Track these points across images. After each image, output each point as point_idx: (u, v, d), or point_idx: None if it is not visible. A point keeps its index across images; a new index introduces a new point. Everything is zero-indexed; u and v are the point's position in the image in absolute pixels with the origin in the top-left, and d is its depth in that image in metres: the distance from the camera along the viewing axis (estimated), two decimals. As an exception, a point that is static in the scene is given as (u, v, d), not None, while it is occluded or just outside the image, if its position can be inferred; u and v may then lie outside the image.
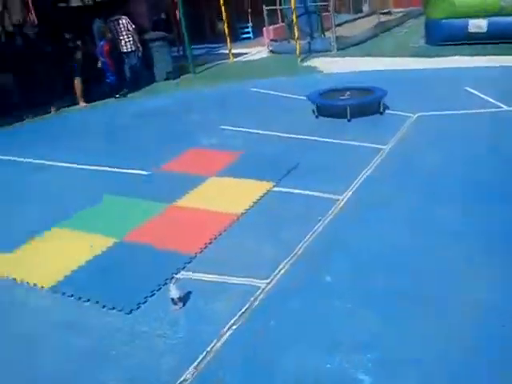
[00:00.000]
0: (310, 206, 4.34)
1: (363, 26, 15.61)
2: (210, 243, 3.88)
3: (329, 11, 12.48)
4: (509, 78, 8.19)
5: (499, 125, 5.99)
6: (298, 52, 11.29)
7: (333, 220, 4.07)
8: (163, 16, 13.76)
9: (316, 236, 3.84)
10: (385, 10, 19.31)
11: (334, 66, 10.31)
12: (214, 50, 14.35)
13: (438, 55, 10.44)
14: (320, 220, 4.06)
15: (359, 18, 18.77)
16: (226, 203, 4.55)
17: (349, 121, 6.52)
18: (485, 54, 9.98)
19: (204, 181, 5.06)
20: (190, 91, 9.44)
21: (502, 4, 10.85)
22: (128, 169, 5.59)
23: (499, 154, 5.14)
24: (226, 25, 12.06)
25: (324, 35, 12.90)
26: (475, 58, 9.81)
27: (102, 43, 9.37)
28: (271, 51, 12.96)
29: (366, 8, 20.54)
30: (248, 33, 16.78)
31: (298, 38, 11.32)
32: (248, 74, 10.60)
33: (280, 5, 13.52)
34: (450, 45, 11.45)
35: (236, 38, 15.74)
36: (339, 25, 16.23)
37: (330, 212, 4.18)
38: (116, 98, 9.39)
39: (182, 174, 5.28)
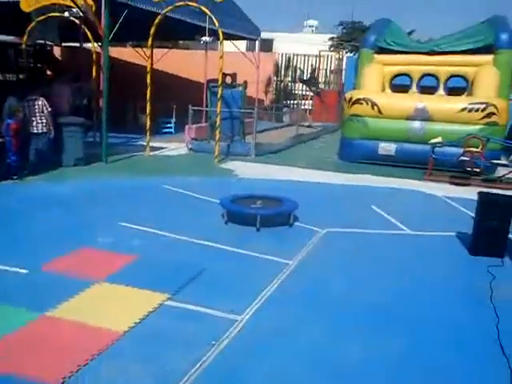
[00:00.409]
0: (204, 327, 3.87)
1: (282, 135, 16.26)
2: (78, 370, 3.24)
3: (252, 117, 12.89)
4: (412, 202, 8.55)
5: (402, 247, 6.05)
6: (216, 153, 11.31)
7: (227, 346, 3.62)
8: (85, 102, 13.47)
9: (206, 367, 3.34)
10: (305, 123, 20.51)
11: (251, 171, 10.36)
12: (133, 140, 14.11)
13: (349, 171, 10.88)
14: (214, 344, 3.60)
15: (280, 127, 19.64)
16: (109, 317, 3.96)
17: (258, 230, 6.30)
18: (391, 176, 10.53)
19: (89, 286, 4.45)
20: (96, 181, 8.92)
21: (410, 133, 11.75)
22: (3, 264, 4.86)
23: (402, 277, 5.09)
24: (148, 117, 11.98)
25: (244, 140, 13.15)
26: (382, 178, 10.30)
27: (9, 121, 8.79)
28: (190, 149, 12.94)
29: (286, 119, 21.67)
30: (170, 127, 16.87)
31: (218, 140, 11.40)
32: (163, 169, 10.36)
33: (206, 106, 13.73)
34: (362, 163, 12.08)
35: (157, 131, 15.74)
36: (260, 131, 16.88)
37: (226, 336, 3.74)
38: (13, 180, 8.64)
39: (66, 277, 4.64)
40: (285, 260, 5.32)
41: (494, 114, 11.18)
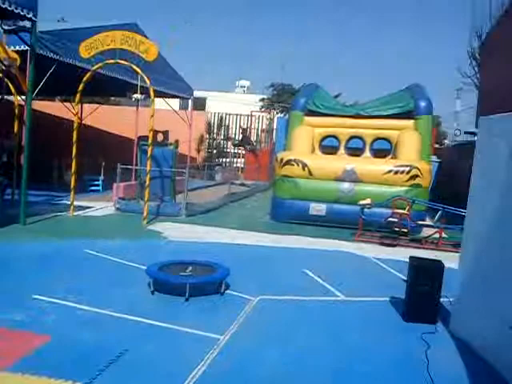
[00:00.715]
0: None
1: (215, 194, 16.11)
2: None
3: (183, 176, 12.67)
4: (343, 265, 8.51)
5: (337, 315, 5.86)
6: (145, 214, 10.87)
7: None
8: (5, 158, 12.60)
9: None
10: (238, 182, 20.54)
11: (180, 234, 9.99)
12: (56, 199, 13.36)
13: (280, 232, 10.79)
14: None
15: (212, 185, 19.53)
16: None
17: (187, 300, 5.89)
18: (323, 237, 10.55)
19: (-12, 377, 3.84)
20: (9, 244, 8.16)
21: (340, 194, 11.96)
22: None
23: (338, 348, 4.86)
24: (73, 175, 11.39)
25: (175, 200, 12.83)
26: (314, 239, 10.29)
27: None
28: (118, 209, 12.39)
29: (218, 177, 21.66)
30: (97, 185, 16.22)
31: (147, 200, 10.99)
32: (86, 231, 9.75)
33: (136, 164, 13.33)
34: (294, 223, 12.07)
35: (84, 189, 15.07)
36: (192, 190, 16.62)
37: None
38: None
39: (-40, 366, 3.99)
40: (216, 335, 4.94)
41: (417, 176, 11.69)
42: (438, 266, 5.83)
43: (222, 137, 26.02)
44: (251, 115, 25.10)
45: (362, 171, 11.98)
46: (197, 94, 45.73)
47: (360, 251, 9.44)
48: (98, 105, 22.95)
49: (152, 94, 11.81)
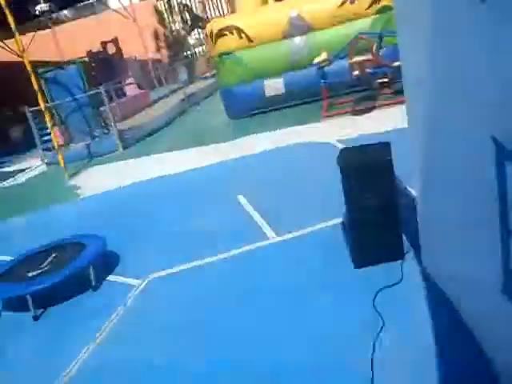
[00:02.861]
0: None
1: (172, 101, 13.63)
2: None
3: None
4: (293, 170, 6.11)
5: (261, 278, 3.79)
6: (61, 164, 8.76)
7: None
8: None
9: None
10: (207, 74, 17.78)
11: (103, 180, 7.91)
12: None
13: (231, 138, 8.44)
14: None
15: (176, 90, 16.80)
16: None
17: (35, 319, 3.98)
18: (280, 126, 8.18)
19: None
20: None
21: (293, 57, 9.24)
22: None
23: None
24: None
25: (108, 130, 10.43)
26: (268, 134, 7.97)
27: None
28: (48, 164, 10.32)
29: (183, 77, 18.69)
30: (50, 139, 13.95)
31: (59, 147, 8.84)
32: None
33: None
34: (251, 115, 9.72)
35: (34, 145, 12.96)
36: (148, 105, 14.26)
37: None
38: None
39: None
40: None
41: (383, -7, 8.63)
42: (383, 158, 3.40)
43: (179, 24, 22.23)
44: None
45: (310, 14, 8.99)
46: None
47: (322, 135, 7.09)
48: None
49: None
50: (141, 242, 4.93)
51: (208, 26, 9.97)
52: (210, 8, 21.71)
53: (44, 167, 10.26)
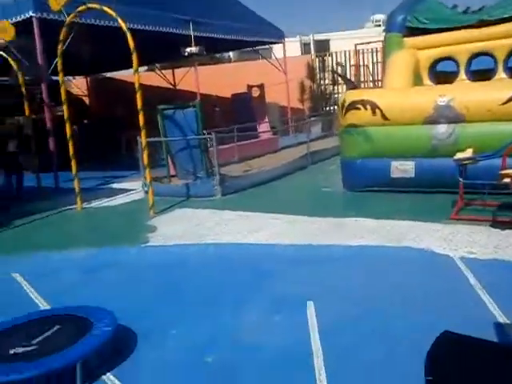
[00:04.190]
0: None
1: (295, 153, 12.79)
2: None
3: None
4: (384, 295, 4.65)
5: None
6: (150, 201, 8.20)
7: None
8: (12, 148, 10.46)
9: None
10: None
11: (184, 229, 7.09)
12: (109, 181, 11.76)
13: (337, 214, 7.17)
14: None
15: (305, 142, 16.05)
16: None
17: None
18: (397, 215, 6.73)
19: None
20: None
21: (434, 143, 7.84)
22: None
23: None
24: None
25: (212, 174, 9.69)
26: (376, 222, 6.56)
27: None
28: (146, 192, 9.94)
29: (315, 130, 17.86)
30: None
31: (150, 181, 8.31)
32: (57, 236, 7.48)
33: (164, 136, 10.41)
34: (371, 191, 8.42)
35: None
36: (273, 151, 13.67)
37: None
38: None
39: None
40: None
41: None
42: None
43: (327, 81, 21.90)
44: (356, 49, 20.50)
45: (464, 104, 7.59)
46: (318, 36, 41.60)
47: (443, 242, 5.53)
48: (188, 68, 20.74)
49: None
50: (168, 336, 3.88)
51: (341, 95, 9.03)
52: (363, 73, 20.96)
53: (142, 194, 9.88)
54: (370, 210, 7.31)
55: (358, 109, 8.31)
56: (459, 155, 6.61)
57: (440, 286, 4.46)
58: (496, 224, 6.09)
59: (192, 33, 13.56)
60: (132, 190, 10.61)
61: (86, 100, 25.72)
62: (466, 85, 8.86)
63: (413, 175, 8.02)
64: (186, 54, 13.33)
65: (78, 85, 25.58)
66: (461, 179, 6.54)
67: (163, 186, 9.74)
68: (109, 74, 25.70)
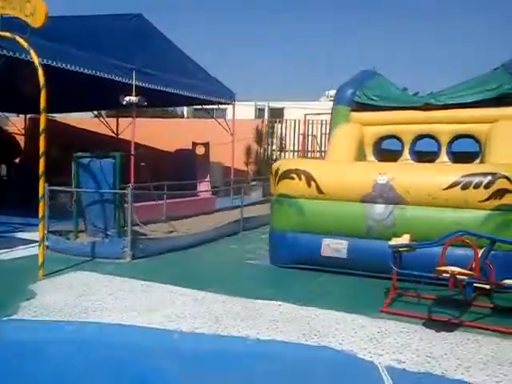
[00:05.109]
0: None
1: (227, 217, 11.85)
2: None
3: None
4: None
5: None
6: (40, 260, 6.92)
7: None
8: None
9: None
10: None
11: (72, 299, 5.86)
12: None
13: (257, 293, 6.17)
14: None
15: (245, 205, 15.20)
16: None
17: None
18: (322, 302, 5.77)
19: None
20: None
21: (370, 223, 7.11)
22: None
23: None
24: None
25: (123, 234, 8.51)
26: (299, 308, 5.57)
27: None
28: (47, 247, 8.63)
29: (255, 194, 17.13)
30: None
31: (42, 238, 7.07)
32: None
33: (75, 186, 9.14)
34: (298, 268, 7.54)
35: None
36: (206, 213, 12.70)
37: None
38: None
39: None
40: None
41: (508, 191, 6.45)
42: None
43: (274, 147, 21.62)
44: (305, 119, 20.44)
45: (405, 185, 6.96)
46: (274, 103, 42.35)
47: (373, 347, 4.58)
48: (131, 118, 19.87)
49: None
50: None
51: (275, 163, 8.33)
52: (311, 143, 20.91)
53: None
54: (294, 292, 6.38)
55: (292, 178, 7.56)
56: (395, 241, 5.86)
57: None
58: (430, 323, 5.26)
59: (134, 82, 12.78)
60: (36, 241, 9.24)
61: (23, 139, 24.18)
62: (409, 165, 8.39)
63: (345, 256, 7.21)
64: (125, 102, 12.46)
65: (17, 123, 24.19)
66: (395, 268, 5.74)
67: (67, 242, 8.47)
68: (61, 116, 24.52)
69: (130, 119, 21.14)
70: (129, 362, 4.15)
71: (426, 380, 3.95)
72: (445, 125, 9.12)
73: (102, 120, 21.62)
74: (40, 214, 6.94)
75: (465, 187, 6.63)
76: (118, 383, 3.63)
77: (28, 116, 24.33)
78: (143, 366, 4.13)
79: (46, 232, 8.45)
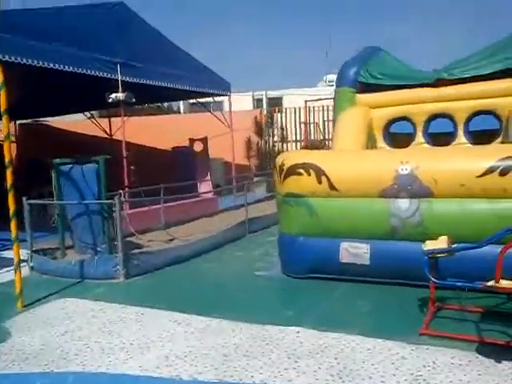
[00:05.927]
0: None
1: (232, 218, 10.89)
2: None
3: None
4: None
5: None
6: (17, 288, 5.99)
7: None
8: None
9: None
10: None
11: (45, 341, 4.92)
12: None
13: (267, 318, 5.21)
14: None
15: (251, 203, 14.18)
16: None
17: None
18: (344, 325, 4.82)
19: None
20: None
21: (393, 222, 6.14)
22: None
23: None
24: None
25: (115, 249, 7.55)
26: (322, 336, 4.61)
27: None
28: (32, 268, 7.72)
29: (260, 191, 16.13)
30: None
31: (18, 262, 6.11)
32: None
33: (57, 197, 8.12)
34: (315, 278, 6.59)
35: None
36: (204, 216, 11.75)
37: None
38: None
39: None
40: None
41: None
42: None
43: (276, 138, 20.61)
44: (306, 106, 19.40)
45: (430, 175, 6.00)
46: (272, 93, 41.29)
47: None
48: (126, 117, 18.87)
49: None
50: None
51: (279, 157, 7.29)
52: (313, 131, 19.85)
53: (27, 270, 7.63)
54: (312, 311, 5.45)
55: (300, 174, 6.56)
56: (430, 245, 4.88)
57: None
58: (485, 347, 4.30)
59: (120, 76, 11.76)
60: (24, 261, 8.32)
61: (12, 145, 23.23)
62: (433, 150, 7.36)
63: (367, 262, 6.25)
64: (111, 100, 11.47)
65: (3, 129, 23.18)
66: (432, 278, 4.78)
67: (52, 262, 7.54)
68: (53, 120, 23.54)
69: (124, 118, 20.34)
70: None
71: None
72: (460, 101, 8.15)
73: (94, 121, 20.66)
74: (13, 235, 5.98)
75: (503, 173, 5.64)
76: None
77: (18, 122, 23.40)
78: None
79: (29, 252, 7.59)
